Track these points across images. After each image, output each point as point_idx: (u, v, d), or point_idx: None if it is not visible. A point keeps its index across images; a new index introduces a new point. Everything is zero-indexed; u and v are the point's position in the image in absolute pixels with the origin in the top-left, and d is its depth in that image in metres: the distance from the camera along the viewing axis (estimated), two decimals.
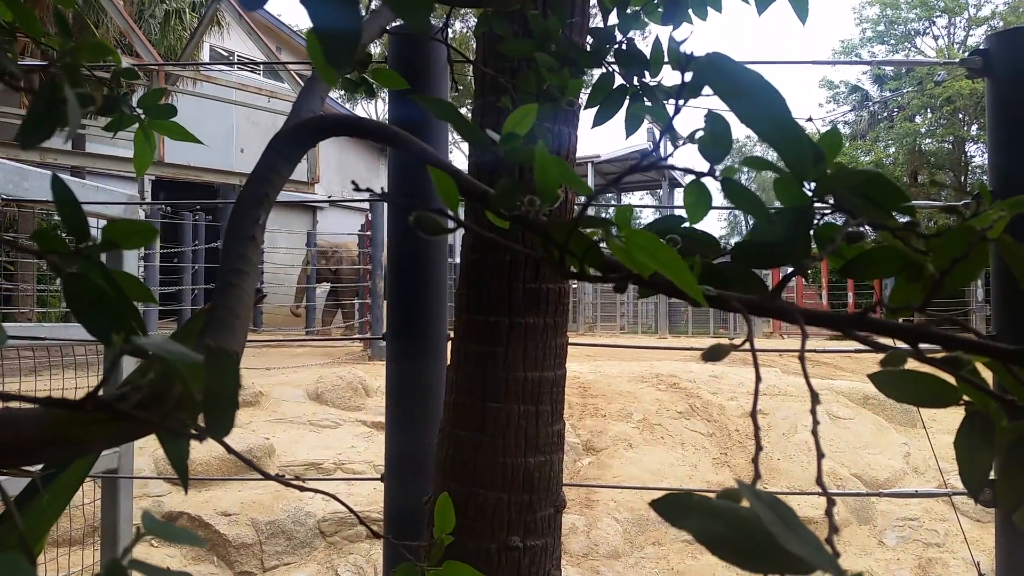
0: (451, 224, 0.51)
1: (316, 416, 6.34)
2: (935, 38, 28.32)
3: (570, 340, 1.74)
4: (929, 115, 25.49)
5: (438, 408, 1.84)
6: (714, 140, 0.50)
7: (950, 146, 25.52)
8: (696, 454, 6.26)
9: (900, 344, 0.55)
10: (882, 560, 4.89)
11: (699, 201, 0.58)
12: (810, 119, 3.46)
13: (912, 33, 28.27)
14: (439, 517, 0.86)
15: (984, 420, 0.56)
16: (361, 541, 4.76)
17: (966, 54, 2.01)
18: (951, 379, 0.58)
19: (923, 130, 25.51)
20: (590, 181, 22.09)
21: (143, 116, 1.09)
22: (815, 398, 0.40)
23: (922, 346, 0.55)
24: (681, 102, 0.53)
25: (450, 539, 0.84)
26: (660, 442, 6.47)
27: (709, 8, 1.38)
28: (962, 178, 25.70)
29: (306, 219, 19.96)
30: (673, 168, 0.53)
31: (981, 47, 2.05)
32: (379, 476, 2.15)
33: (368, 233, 12.36)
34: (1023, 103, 1.99)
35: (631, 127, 1.20)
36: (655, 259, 0.45)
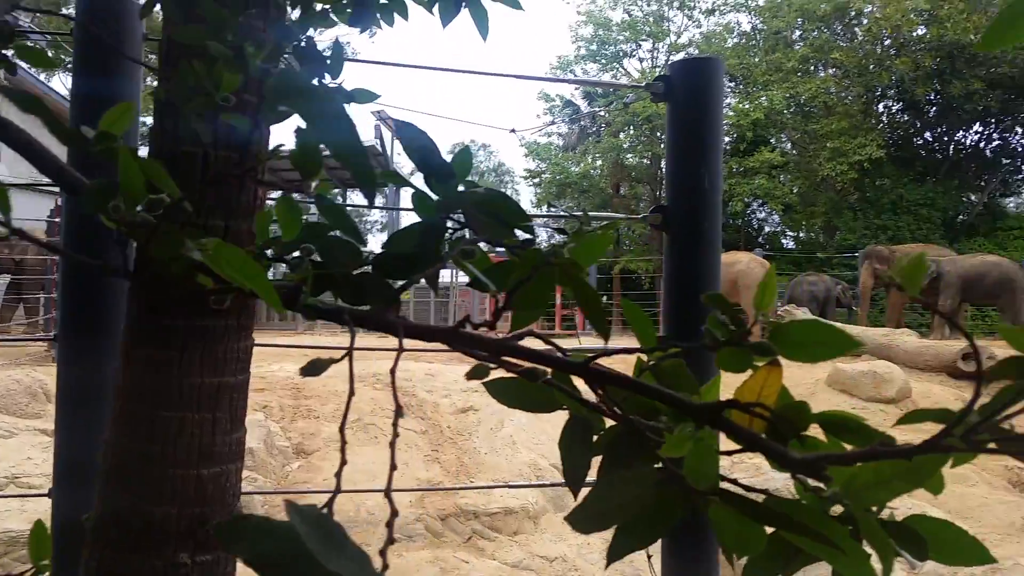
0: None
1: None
2: (640, 60, 30.90)
3: (285, 342, 1.68)
4: (631, 132, 27.85)
5: None
6: (304, 156, 0.50)
7: (648, 161, 28.05)
8: (408, 452, 6.35)
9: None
10: (575, 545, 5.27)
11: (289, 216, 0.58)
12: (513, 131, 3.64)
13: (621, 54, 30.61)
14: (33, 543, 0.78)
15: (584, 425, 0.62)
16: None
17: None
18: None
19: (625, 146, 27.79)
20: None
21: None
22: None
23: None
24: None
25: (48, 568, 0.77)
26: (374, 442, 6.48)
27: (432, 15, 1.40)
28: (657, 192, 28.37)
29: None
30: (267, 184, 0.53)
31: (663, 74, 2.24)
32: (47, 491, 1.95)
33: (58, 220, 11.16)
34: (696, 126, 2.20)
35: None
36: (240, 272, 0.44)
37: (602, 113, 28.86)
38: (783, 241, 29.85)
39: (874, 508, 0.59)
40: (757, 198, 26.25)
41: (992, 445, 0.46)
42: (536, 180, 29.70)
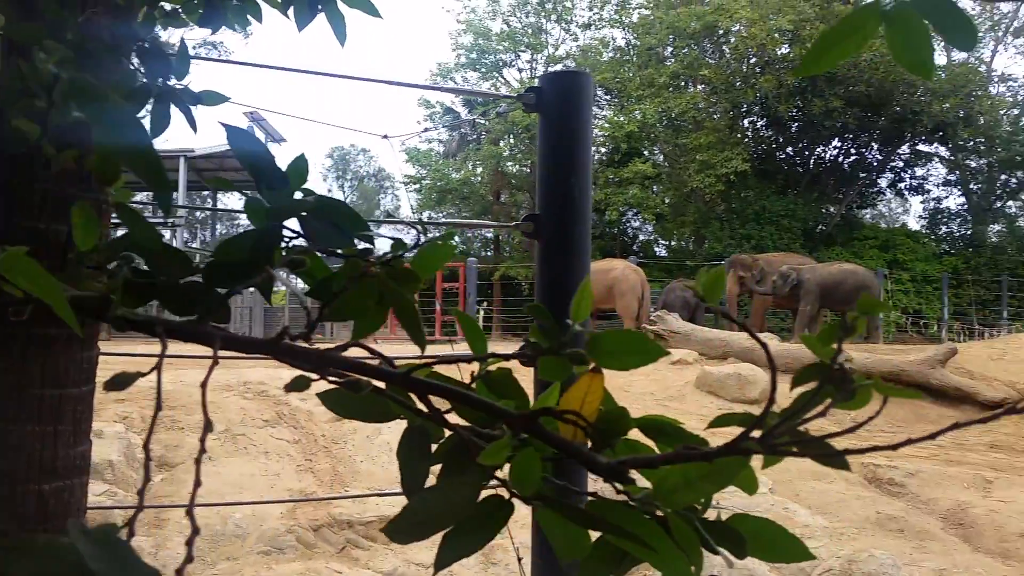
0: None
1: None
2: (520, 70, 31.23)
3: (146, 351, 1.59)
4: (511, 140, 28.12)
5: None
6: (102, 161, 0.48)
7: (528, 169, 28.38)
8: (280, 462, 6.19)
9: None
10: None
11: (86, 224, 0.55)
12: (386, 136, 3.61)
13: (500, 64, 30.86)
14: None
15: (420, 433, 0.62)
16: None
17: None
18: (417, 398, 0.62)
19: (505, 153, 28.04)
20: (182, 176, 20.82)
21: None
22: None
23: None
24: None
25: None
26: (243, 452, 6.28)
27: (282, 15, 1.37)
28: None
29: None
30: (64, 191, 0.50)
31: (535, 85, 2.27)
32: None
33: None
34: (566, 137, 2.24)
35: (157, 128, 1.14)
36: (34, 283, 0.42)
37: (482, 121, 29.02)
38: (656, 249, 30.82)
39: (699, 507, 0.61)
40: (631, 207, 26.98)
41: (794, 448, 0.49)
42: (416, 186, 29.58)
